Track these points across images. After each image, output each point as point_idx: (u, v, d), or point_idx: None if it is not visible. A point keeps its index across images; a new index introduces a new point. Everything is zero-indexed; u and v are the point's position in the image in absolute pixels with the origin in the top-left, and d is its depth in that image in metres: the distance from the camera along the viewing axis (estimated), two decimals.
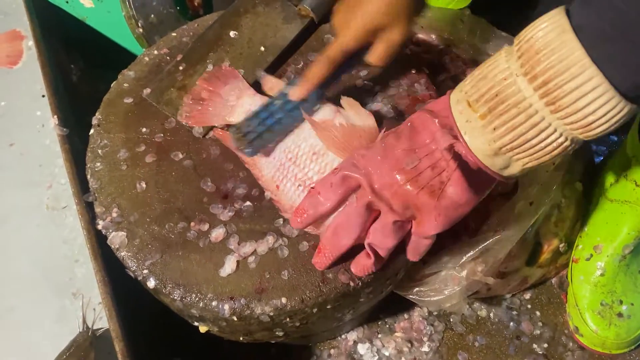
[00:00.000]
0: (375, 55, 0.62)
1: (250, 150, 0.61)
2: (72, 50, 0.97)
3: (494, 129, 0.44)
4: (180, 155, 0.66)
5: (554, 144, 0.42)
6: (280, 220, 0.61)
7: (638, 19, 0.36)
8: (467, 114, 0.46)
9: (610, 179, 0.74)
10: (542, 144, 0.43)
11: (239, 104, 0.66)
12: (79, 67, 0.99)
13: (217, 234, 0.60)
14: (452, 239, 0.70)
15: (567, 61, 0.39)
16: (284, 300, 0.56)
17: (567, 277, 0.77)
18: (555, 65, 0.39)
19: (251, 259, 0.58)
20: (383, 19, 0.59)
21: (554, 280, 0.79)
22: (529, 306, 0.78)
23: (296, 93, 0.61)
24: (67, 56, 0.96)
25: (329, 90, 0.64)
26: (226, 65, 0.69)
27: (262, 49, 0.73)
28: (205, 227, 0.60)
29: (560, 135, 0.42)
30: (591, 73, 0.38)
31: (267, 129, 0.61)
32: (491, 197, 0.71)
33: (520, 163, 0.45)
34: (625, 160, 0.69)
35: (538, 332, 0.75)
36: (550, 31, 0.40)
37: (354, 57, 0.63)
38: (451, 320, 0.75)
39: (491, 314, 0.76)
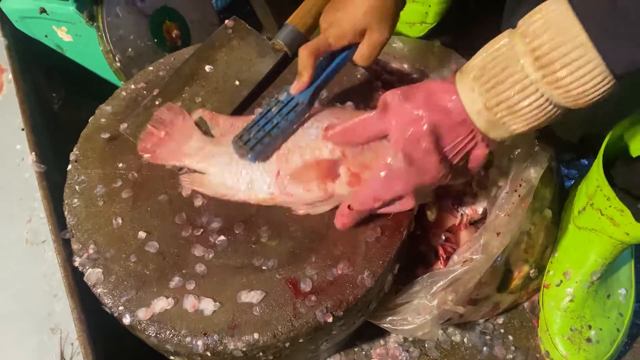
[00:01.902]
0: (360, 55, 0.66)
1: (251, 156, 0.63)
2: (53, 79, 0.98)
3: (497, 104, 0.49)
4: (156, 191, 0.67)
5: (544, 111, 0.48)
6: (255, 259, 0.62)
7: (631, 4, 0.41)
8: (472, 87, 0.50)
9: (577, 206, 0.75)
10: (535, 112, 0.48)
11: (189, 145, 0.67)
12: (60, 96, 1.00)
13: (189, 269, 0.61)
14: (423, 269, 0.72)
15: (565, 37, 0.43)
16: (256, 335, 0.57)
17: (538, 302, 0.78)
18: (554, 40, 0.44)
19: (224, 295, 0.59)
20: (368, 21, 0.63)
21: (526, 305, 0.81)
22: (502, 331, 0.79)
23: (296, 87, 0.64)
24: (48, 85, 0.98)
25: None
26: (176, 105, 0.70)
27: (237, 83, 0.74)
28: (178, 263, 0.62)
29: (550, 103, 0.47)
30: (586, 49, 0.43)
31: (266, 134, 0.63)
32: (462, 227, 0.73)
33: (512, 128, 0.50)
34: (592, 189, 0.71)
35: (511, 356, 0.77)
36: (552, 12, 0.44)
37: (343, 57, 0.66)
38: (426, 346, 0.77)
39: (465, 339, 0.78)
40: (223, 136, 0.67)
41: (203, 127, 0.69)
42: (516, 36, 0.47)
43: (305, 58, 0.63)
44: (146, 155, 0.67)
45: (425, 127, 0.52)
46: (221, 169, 0.65)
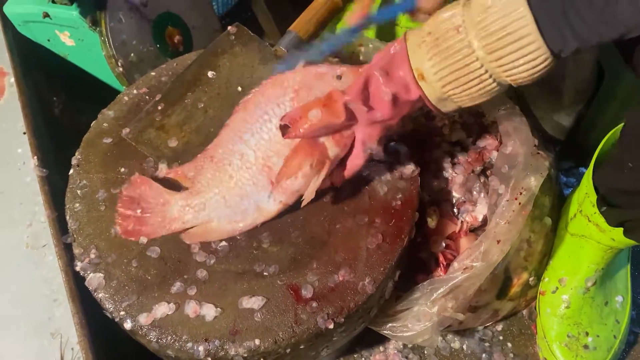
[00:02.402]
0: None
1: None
2: (55, 83, 0.99)
3: (448, 82, 0.52)
4: None
5: (492, 90, 0.51)
6: (257, 265, 0.62)
7: None
8: (421, 58, 0.52)
9: (570, 213, 0.76)
10: (482, 90, 0.51)
11: (172, 209, 0.64)
12: (61, 100, 1.00)
13: (191, 275, 0.61)
14: (423, 276, 0.72)
15: (512, 16, 0.46)
16: (257, 341, 0.57)
17: (536, 309, 0.79)
18: (501, 18, 0.47)
19: (225, 301, 0.60)
20: None
21: (524, 312, 0.81)
22: (501, 337, 0.79)
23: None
24: (49, 89, 0.98)
25: None
26: (136, 176, 0.66)
27: (240, 89, 0.75)
28: (180, 269, 0.62)
29: (497, 83, 0.51)
30: (530, 28, 0.46)
31: None
32: (462, 234, 0.73)
33: (461, 104, 0.54)
34: (581, 196, 0.72)
35: None
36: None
37: None
38: (425, 352, 0.77)
39: (464, 346, 0.78)
40: (198, 181, 0.65)
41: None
42: (469, 21, 0.49)
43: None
44: (142, 238, 0.64)
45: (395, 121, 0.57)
46: (221, 210, 0.63)
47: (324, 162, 0.60)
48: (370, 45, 0.81)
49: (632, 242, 0.68)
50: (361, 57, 0.83)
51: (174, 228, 0.64)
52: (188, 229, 0.64)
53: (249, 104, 0.66)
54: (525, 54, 0.47)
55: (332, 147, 0.60)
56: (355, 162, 0.63)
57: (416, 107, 0.58)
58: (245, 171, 0.63)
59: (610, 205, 0.68)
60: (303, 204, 0.62)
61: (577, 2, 0.44)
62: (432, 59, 0.51)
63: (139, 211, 0.64)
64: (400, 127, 0.63)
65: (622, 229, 0.66)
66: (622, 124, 0.62)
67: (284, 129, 0.59)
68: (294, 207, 0.65)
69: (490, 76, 0.50)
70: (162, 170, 0.68)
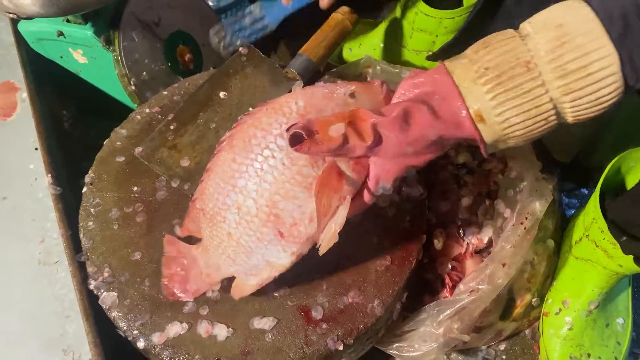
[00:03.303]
0: None
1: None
2: (65, 98, 1.00)
3: (513, 123, 0.45)
4: (170, 215, 0.68)
5: (550, 128, 0.46)
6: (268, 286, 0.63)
7: None
8: (481, 98, 0.46)
9: (575, 236, 0.77)
10: (542, 129, 0.46)
11: (201, 266, 0.62)
12: (70, 114, 1.01)
13: (202, 296, 0.62)
14: (429, 297, 0.73)
15: (594, 55, 0.42)
16: None
17: (539, 330, 0.80)
18: (580, 57, 0.42)
19: (237, 321, 0.61)
20: None
21: (527, 332, 0.82)
22: (504, 357, 0.80)
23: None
24: (60, 103, 0.99)
25: None
26: (167, 237, 0.65)
27: (251, 109, 0.76)
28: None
29: (558, 121, 0.45)
30: (615, 68, 0.42)
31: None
32: (468, 255, 0.74)
33: (514, 144, 0.48)
34: (588, 221, 0.73)
35: None
36: (571, 12, 0.43)
37: None
38: None
39: None
40: (203, 237, 0.61)
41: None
42: (539, 58, 0.44)
43: None
44: (187, 299, 0.62)
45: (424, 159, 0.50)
46: (234, 268, 0.59)
47: (345, 198, 0.52)
48: (378, 68, 0.82)
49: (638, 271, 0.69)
50: (368, 79, 0.85)
51: (209, 281, 0.61)
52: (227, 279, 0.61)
53: (236, 140, 0.56)
54: (603, 94, 0.43)
55: (350, 178, 0.52)
56: (361, 202, 0.55)
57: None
58: (245, 226, 0.55)
59: (630, 236, 0.67)
60: (322, 251, 0.54)
61: None
62: (496, 98, 0.45)
63: (179, 269, 0.63)
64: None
65: (632, 256, 0.67)
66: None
67: (295, 140, 0.48)
68: None
69: (557, 116, 0.45)
70: (178, 230, 0.66)
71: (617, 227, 0.70)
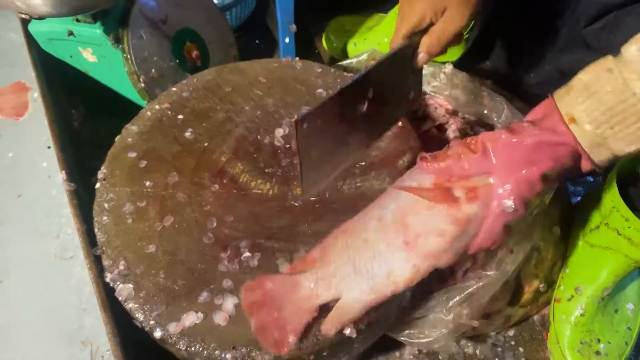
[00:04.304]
0: (429, 39, 0.64)
1: None
2: (74, 97, 1.01)
3: (603, 121, 0.49)
4: (183, 208, 0.70)
5: None
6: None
7: None
8: (571, 103, 0.51)
9: (590, 224, 0.78)
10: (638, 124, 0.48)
11: (301, 294, 0.60)
12: (80, 113, 1.03)
13: (217, 285, 0.64)
14: (439, 285, 0.74)
15: None
16: None
17: (548, 315, 0.81)
18: None
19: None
20: (446, 1, 0.61)
21: (536, 318, 0.83)
22: (513, 343, 0.82)
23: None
24: (69, 102, 1.00)
25: None
26: (248, 283, 0.62)
27: None
28: (206, 279, 0.64)
29: None
30: None
31: None
32: None
33: (617, 149, 0.50)
34: (606, 209, 0.74)
35: None
36: None
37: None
38: (440, 358, 0.79)
39: (477, 351, 0.80)
40: (327, 253, 0.61)
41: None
42: (621, 63, 0.48)
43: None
44: (292, 338, 0.59)
45: (537, 173, 0.52)
46: (350, 279, 0.58)
47: (460, 220, 0.55)
48: None
49: None
50: None
51: (310, 307, 0.60)
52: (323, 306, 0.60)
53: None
54: None
55: (465, 202, 0.55)
56: (488, 226, 0.56)
57: (565, 163, 0.54)
58: (380, 233, 0.59)
59: None
60: (443, 266, 0.57)
61: None
62: (584, 102, 0.50)
63: (269, 313, 0.60)
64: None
65: None
66: None
67: (422, 160, 0.58)
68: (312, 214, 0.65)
69: None
70: (285, 266, 0.65)
71: None
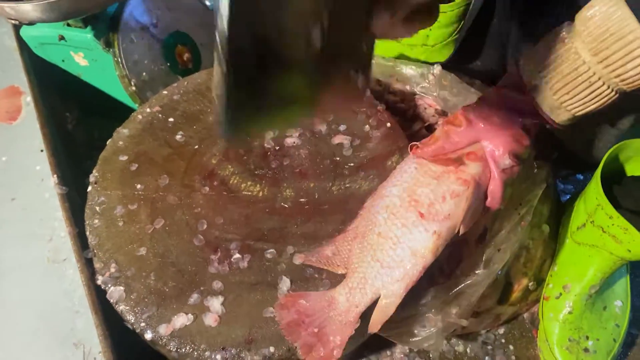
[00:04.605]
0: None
1: None
2: (68, 100, 1.02)
3: (558, 88, 0.53)
4: (173, 211, 0.70)
5: (602, 95, 0.52)
6: (269, 276, 0.65)
7: None
8: (532, 71, 0.55)
9: (576, 222, 0.79)
10: (593, 95, 0.52)
11: (339, 304, 0.60)
12: (74, 116, 1.03)
13: (207, 286, 0.64)
14: (428, 283, 0.75)
15: (613, 19, 0.48)
16: (272, 349, 0.60)
17: (537, 313, 0.82)
18: (603, 23, 0.48)
19: (241, 310, 0.63)
20: None
21: (525, 316, 0.84)
22: (503, 341, 0.82)
23: None
24: (63, 105, 1.01)
25: None
26: (280, 301, 0.62)
27: None
28: (196, 280, 0.65)
29: (608, 87, 0.51)
30: (632, 26, 0.47)
31: None
32: (464, 243, 0.76)
33: (573, 112, 0.55)
34: (591, 207, 0.74)
35: None
36: (605, 6, 0.49)
37: None
38: (431, 356, 0.80)
39: (468, 349, 0.81)
40: (350, 261, 0.62)
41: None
42: (573, 33, 0.51)
43: None
44: (336, 351, 0.59)
45: (518, 127, 0.58)
46: (382, 275, 0.59)
47: (467, 180, 0.58)
48: (372, 61, 0.84)
49: None
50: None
51: (352, 318, 0.59)
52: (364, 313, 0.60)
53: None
54: (632, 52, 0.48)
55: (469, 164, 0.59)
56: (493, 186, 0.60)
57: (532, 125, 0.59)
58: (392, 219, 0.60)
59: None
60: (462, 231, 0.59)
61: None
62: (542, 70, 0.54)
63: (315, 329, 0.59)
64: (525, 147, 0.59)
65: None
66: None
67: (412, 148, 0.61)
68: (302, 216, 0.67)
69: (600, 79, 0.51)
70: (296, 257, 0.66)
71: (636, 215, 0.72)
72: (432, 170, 0.60)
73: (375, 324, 0.60)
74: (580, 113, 0.55)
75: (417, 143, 0.61)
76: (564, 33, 0.52)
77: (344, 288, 0.61)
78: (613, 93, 0.52)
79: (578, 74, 0.51)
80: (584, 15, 0.50)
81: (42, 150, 0.82)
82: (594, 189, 0.72)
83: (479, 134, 0.59)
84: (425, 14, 0.48)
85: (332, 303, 0.60)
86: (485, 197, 0.61)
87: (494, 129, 0.58)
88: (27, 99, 0.88)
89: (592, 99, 0.53)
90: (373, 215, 0.62)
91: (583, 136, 0.80)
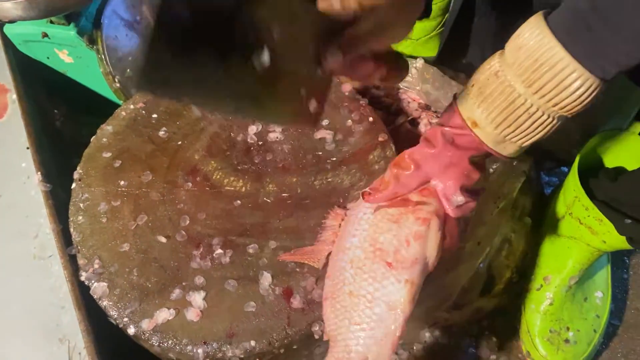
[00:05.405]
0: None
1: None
2: (55, 97, 1.02)
3: (498, 123, 0.51)
4: (156, 207, 0.71)
5: (544, 124, 0.50)
6: (251, 271, 0.66)
7: (597, 15, 0.44)
8: (470, 108, 0.53)
9: (557, 215, 0.80)
10: (534, 125, 0.51)
11: None
12: (62, 113, 1.03)
13: (189, 282, 0.65)
14: None
15: (541, 49, 0.47)
16: (252, 343, 0.61)
17: (520, 305, 0.83)
18: (532, 53, 0.47)
19: (222, 305, 0.64)
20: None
21: (508, 308, 0.85)
22: (486, 332, 0.83)
23: None
24: (50, 102, 1.01)
25: None
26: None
27: None
28: (179, 276, 0.66)
29: (548, 116, 0.50)
30: (571, 66, 0.46)
31: None
32: None
33: (519, 144, 0.53)
34: (570, 199, 0.75)
35: (494, 356, 0.81)
36: (531, 35, 0.48)
37: None
38: (414, 348, 0.81)
39: (451, 341, 0.82)
40: (329, 329, 0.59)
41: None
42: (505, 65, 0.50)
43: None
44: None
45: (465, 162, 0.55)
46: (362, 338, 0.57)
47: (427, 218, 0.57)
48: None
49: (624, 248, 0.72)
50: None
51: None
52: None
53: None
54: (563, 80, 0.47)
55: (424, 201, 0.57)
56: (448, 226, 0.58)
57: (479, 158, 0.57)
58: (360, 275, 0.58)
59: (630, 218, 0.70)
60: (432, 268, 0.58)
61: (592, 25, 0.45)
62: (480, 106, 0.52)
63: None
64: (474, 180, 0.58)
65: (622, 236, 0.70)
66: None
67: (364, 195, 0.60)
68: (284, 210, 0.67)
69: (538, 109, 0.49)
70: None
71: (609, 207, 0.72)
72: (390, 213, 0.59)
73: None
74: (526, 144, 0.53)
75: (368, 189, 0.60)
76: (496, 65, 0.51)
77: (331, 358, 0.59)
78: (555, 121, 0.50)
79: (515, 106, 0.50)
80: (513, 45, 0.49)
81: (28, 148, 0.82)
82: (572, 180, 0.73)
83: (427, 174, 0.57)
84: (391, 66, 0.49)
85: None
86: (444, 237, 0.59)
87: (442, 167, 0.56)
88: (13, 97, 0.88)
89: (535, 129, 0.51)
90: (339, 272, 0.60)
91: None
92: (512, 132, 0.51)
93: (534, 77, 0.48)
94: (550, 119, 0.50)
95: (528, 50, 0.48)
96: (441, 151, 0.56)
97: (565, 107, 0.48)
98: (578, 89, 0.47)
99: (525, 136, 0.52)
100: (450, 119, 0.55)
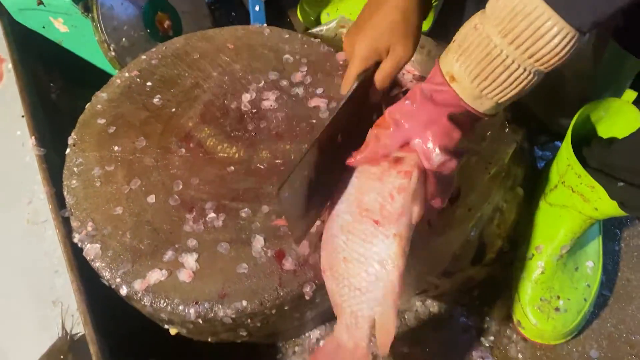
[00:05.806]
0: (381, 74, 0.67)
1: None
2: (51, 69, 1.02)
3: (475, 75, 0.52)
4: (149, 172, 0.71)
5: (520, 78, 0.50)
6: (244, 233, 0.66)
7: None
8: (449, 62, 0.54)
9: (550, 184, 0.80)
10: (511, 79, 0.51)
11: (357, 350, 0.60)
12: (58, 86, 1.03)
13: (182, 244, 0.66)
14: None
15: (526, 8, 0.46)
16: (244, 303, 0.62)
17: (511, 275, 0.83)
18: (517, 13, 0.47)
19: (214, 267, 0.64)
20: (388, 39, 0.65)
21: (500, 277, 0.85)
22: (477, 302, 0.84)
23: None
24: (46, 75, 1.01)
25: None
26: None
27: None
28: (171, 238, 0.66)
29: (524, 70, 0.50)
30: (546, 14, 0.46)
31: None
32: None
33: (495, 99, 0.53)
34: (562, 167, 0.76)
35: (486, 325, 0.82)
36: None
37: None
38: (406, 317, 0.81)
39: (443, 310, 0.82)
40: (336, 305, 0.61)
41: None
42: (484, 17, 0.50)
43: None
44: None
45: (444, 120, 0.55)
46: (365, 302, 0.58)
47: (408, 171, 0.56)
48: None
49: (615, 214, 0.72)
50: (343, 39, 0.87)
51: (362, 354, 0.59)
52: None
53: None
54: (538, 30, 0.46)
55: (405, 156, 0.57)
56: (429, 184, 0.58)
57: (461, 105, 0.56)
58: (351, 239, 0.59)
59: (623, 181, 0.69)
60: (416, 219, 0.58)
61: None
62: (458, 60, 0.52)
63: None
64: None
65: (614, 202, 0.70)
66: None
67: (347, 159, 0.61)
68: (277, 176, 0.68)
69: (514, 61, 0.49)
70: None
71: (601, 173, 0.72)
72: (372, 172, 0.59)
73: (383, 347, 0.58)
74: (502, 100, 0.53)
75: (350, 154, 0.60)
76: (476, 20, 0.51)
77: (341, 326, 0.60)
78: (532, 76, 0.50)
79: (492, 57, 0.50)
80: (492, 1, 0.49)
81: (22, 116, 0.82)
82: (565, 149, 0.73)
83: (407, 133, 0.57)
84: None
85: (339, 347, 0.60)
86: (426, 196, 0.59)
87: (421, 125, 0.56)
88: (9, 66, 0.88)
89: (511, 83, 0.51)
90: (332, 240, 0.60)
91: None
92: (489, 85, 0.51)
93: (509, 26, 0.48)
94: (526, 73, 0.50)
95: (504, 2, 0.48)
96: (419, 107, 0.56)
97: (540, 58, 0.48)
98: (553, 38, 0.46)
99: (501, 91, 0.52)
100: (432, 76, 0.56)
